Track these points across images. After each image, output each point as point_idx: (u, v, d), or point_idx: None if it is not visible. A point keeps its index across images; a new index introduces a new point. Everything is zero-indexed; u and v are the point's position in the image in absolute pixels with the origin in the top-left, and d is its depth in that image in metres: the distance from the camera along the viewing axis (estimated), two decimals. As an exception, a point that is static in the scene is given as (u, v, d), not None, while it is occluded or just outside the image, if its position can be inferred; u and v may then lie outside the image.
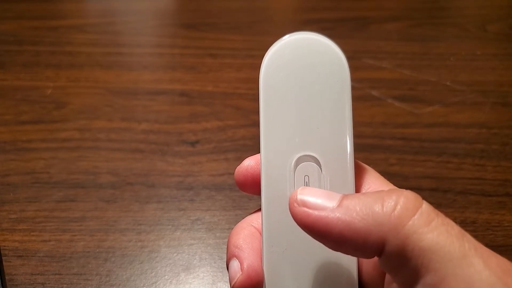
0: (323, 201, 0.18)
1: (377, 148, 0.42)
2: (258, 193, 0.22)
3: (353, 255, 0.19)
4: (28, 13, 0.69)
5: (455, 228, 0.17)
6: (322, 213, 0.18)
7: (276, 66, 0.21)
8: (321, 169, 0.21)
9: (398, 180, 0.38)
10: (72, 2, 0.76)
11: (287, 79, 0.21)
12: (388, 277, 0.19)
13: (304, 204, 0.18)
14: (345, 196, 0.18)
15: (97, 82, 0.53)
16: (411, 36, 0.65)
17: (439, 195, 0.37)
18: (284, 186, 0.21)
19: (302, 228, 0.18)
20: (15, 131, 0.46)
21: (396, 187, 0.21)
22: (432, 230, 0.16)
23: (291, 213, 0.19)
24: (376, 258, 0.20)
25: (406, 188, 0.19)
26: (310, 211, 0.18)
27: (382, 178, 0.22)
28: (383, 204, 0.17)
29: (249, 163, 0.23)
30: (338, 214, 0.17)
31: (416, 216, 0.17)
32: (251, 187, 0.23)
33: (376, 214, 0.17)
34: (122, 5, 0.76)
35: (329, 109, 0.21)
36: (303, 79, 0.21)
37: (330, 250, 0.19)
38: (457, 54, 0.59)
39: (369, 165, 0.23)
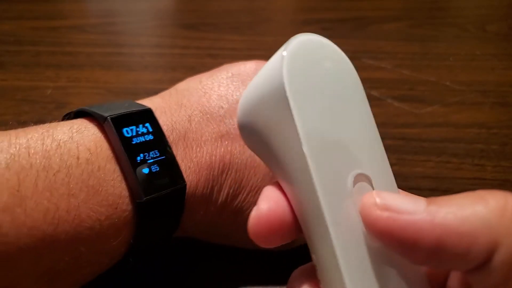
0: (408, 204, 0.15)
1: (377, 148, 0.42)
2: (286, 240, 0.17)
3: (446, 267, 0.15)
4: (28, 13, 0.69)
5: None
6: (413, 217, 0.14)
7: (299, 73, 0.17)
8: (372, 187, 0.17)
9: (398, 180, 0.38)
10: (72, 2, 0.76)
11: (312, 86, 0.17)
12: None
13: (387, 208, 0.15)
14: (430, 200, 0.15)
15: (97, 82, 0.53)
16: (410, 36, 0.65)
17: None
18: (352, 217, 0.16)
19: (385, 238, 0.15)
20: (15, 131, 0.46)
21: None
22: None
23: (368, 221, 0.15)
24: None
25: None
26: (397, 215, 0.15)
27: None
28: (488, 204, 0.14)
29: (268, 206, 0.17)
30: (433, 217, 0.14)
31: None
32: (278, 237, 0.17)
33: (482, 214, 0.14)
34: (122, 5, 0.76)
35: (358, 120, 0.18)
36: (325, 86, 0.18)
37: None
38: (457, 54, 0.59)
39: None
